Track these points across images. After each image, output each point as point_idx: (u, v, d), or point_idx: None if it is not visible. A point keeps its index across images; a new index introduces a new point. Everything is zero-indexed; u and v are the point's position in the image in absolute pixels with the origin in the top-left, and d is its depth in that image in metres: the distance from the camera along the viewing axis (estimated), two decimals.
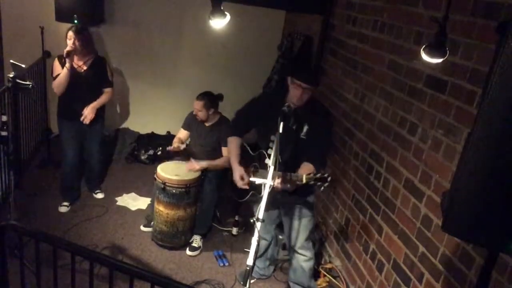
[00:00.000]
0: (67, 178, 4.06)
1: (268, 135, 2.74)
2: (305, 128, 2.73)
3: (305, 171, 2.62)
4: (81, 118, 3.78)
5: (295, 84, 2.69)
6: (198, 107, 3.75)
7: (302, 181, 2.50)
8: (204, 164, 3.71)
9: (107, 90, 3.97)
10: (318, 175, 2.46)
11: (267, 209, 2.99)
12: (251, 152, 2.89)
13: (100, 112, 3.98)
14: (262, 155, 2.68)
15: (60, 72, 3.65)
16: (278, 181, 2.53)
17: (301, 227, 2.99)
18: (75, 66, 3.72)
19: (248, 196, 2.83)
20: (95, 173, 4.32)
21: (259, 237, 2.12)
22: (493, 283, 1.99)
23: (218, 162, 3.75)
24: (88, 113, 3.79)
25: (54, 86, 3.70)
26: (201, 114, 3.76)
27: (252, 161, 2.88)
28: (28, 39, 4.73)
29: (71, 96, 3.74)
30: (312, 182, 2.46)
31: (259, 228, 2.12)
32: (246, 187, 2.77)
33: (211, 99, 3.76)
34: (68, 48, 3.57)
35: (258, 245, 2.10)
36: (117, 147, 5.30)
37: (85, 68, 3.78)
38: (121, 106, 5.56)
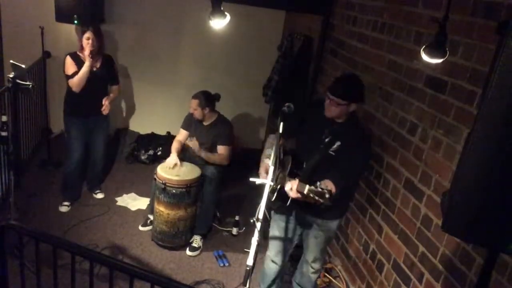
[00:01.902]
0: (69, 178, 4.06)
1: (304, 145, 2.69)
2: (337, 145, 2.55)
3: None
4: (102, 109, 3.90)
5: (325, 95, 2.58)
6: (193, 105, 3.78)
7: (303, 191, 2.30)
8: (202, 153, 3.80)
9: (116, 87, 4.09)
10: (319, 189, 2.26)
11: (284, 232, 2.87)
12: (282, 156, 2.68)
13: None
14: (287, 161, 2.56)
15: (76, 70, 3.71)
16: (294, 187, 2.34)
17: (316, 244, 2.88)
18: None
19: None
20: (97, 173, 4.33)
21: (260, 237, 2.11)
22: (493, 283, 1.99)
23: (213, 156, 3.81)
24: (107, 105, 3.92)
25: (74, 84, 3.73)
26: (197, 113, 3.78)
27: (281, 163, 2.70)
28: (28, 39, 4.73)
29: (83, 94, 3.79)
30: (311, 195, 2.26)
31: (259, 228, 2.12)
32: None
33: (206, 98, 3.77)
34: (90, 48, 3.67)
35: (258, 245, 2.10)
36: (119, 147, 5.30)
37: (97, 66, 3.86)
38: (121, 106, 5.55)
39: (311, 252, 2.91)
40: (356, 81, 2.64)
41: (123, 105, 5.56)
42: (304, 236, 2.93)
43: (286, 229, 2.88)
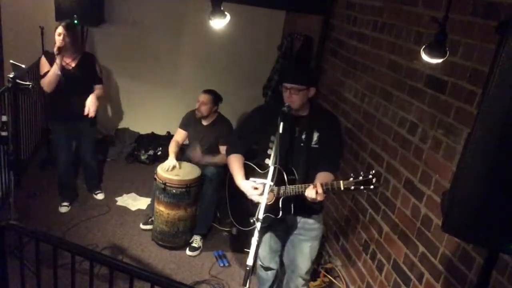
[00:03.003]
0: (63, 178, 4.04)
1: (282, 151, 2.52)
2: (316, 136, 2.55)
3: (323, 179, 2.41)
4: (85, 112, 3.65)
5: (283, 87, 2.52)
6: (205, 100, 3.77)
7: (340, 188, 2.23)
8: (206, 159, 3.78)
9: (98, 87, 3.83)
10: (360, 177, 2.17)
11: (274, 236, 2.75)
12: (259, 169, 2.62)
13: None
14: (278, 171, 2.42)
15: (49, 70, 3.56)
16: (319, 189, 2.28)
17: (310, 251, 2.74)
18: (63, 63, 3.60)
19: (253, 226, 2.34)
20: (92, 173, 4.30)
21: (259, 237, 2.11)
22: (493, 283, 1.99)
23: (216, 159, 3.79)
24: (90, 105, 3.67)
25: (44, 84, 3.58)
26: (205, 108, 3.77)
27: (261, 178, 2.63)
28: (28, 39, 4.73)
29: (60, 96, 3.64)
30: (352, 187, 2.21)
31: (259, 228, 2.12)
32: (261, 197, 2.39)
33: (217, 97, 3.83)
34: (58, 44, 3.47)
35: (258, 245, 2.09)
36: (115, 147, 5.31)
37: (73, 65, 3.67)
38: (121, 106, 5.55)
39: (304, 262, 2.74)
40: (306, 65, 2.63)
41: (123, 105, 5.56)
42: (293, 250, 2.76)
43: (275, 236, 2.79)
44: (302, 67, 2.62)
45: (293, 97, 2.48)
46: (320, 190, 2.29)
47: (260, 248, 2.80)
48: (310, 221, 2.69)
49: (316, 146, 2.55)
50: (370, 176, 2.15)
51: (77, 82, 3.67)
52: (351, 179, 2.20)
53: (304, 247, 2.72)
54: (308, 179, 2.51)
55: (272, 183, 2.28)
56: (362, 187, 2.17)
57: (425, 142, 2.61)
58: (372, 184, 2.16)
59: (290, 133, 2.55)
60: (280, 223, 2.69)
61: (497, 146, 1.18)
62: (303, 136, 2.55)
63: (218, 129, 3.83)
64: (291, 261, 2.79)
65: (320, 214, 2.75)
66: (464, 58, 2.31)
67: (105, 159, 5.09)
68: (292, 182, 2.49)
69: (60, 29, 3.51)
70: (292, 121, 2.53)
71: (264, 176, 2.40)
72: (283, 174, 2.48)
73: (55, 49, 3.49)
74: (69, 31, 3.54)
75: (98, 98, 3.82)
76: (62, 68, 3.58)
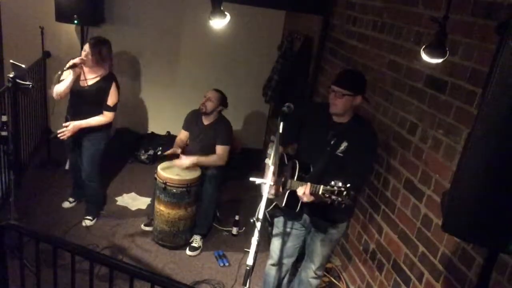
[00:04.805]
0: (73, 177, 4.04)
1: (308, 149, 2.63)
2: (344, 145, 2.51)
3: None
4: (59, 131, 3.47)
5: (330, 90, 2.52)
6: (212, 96, 3.76)
7: (318, 192, 2.29)
8: (193, 159, 3.64)
9: (105, 113, 3.60)
10: (335, 188, 2.18)
11: (286, 243, 2.81)
12: (286, 161, 2.70)
13: (92, 130, 3.61)
14: (294, 166, 2.56)
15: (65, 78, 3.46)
16: (306, 191, 2.33)
17: (326, 249, 2.80)
18: (82, 78, 3.50)
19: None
20: (90, 197, 3.92)
21: (260, 237, 2.11)
22: (493, 283, 1.99)
23: (206, 159, 3.70)
24: (69, 129, 3.46)
25: (54, 92, 3.46)
26: (210, 105, 3.76)
27: (283, 170, 2.72)
28: (28, 39, 4.74)
29: (70, 110, 3.61)
30: (327, 195, 2.22)
31: (259, 228, 2.11)
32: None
33: (224, 98, 3.84)
34: (75, 61, 3.34)
35: (258, 245, 2.10)
36: (116, 147, 5.30)
37: (89, 83, 3.50)
38: (120, 106, 5.54)
39: (317, 257, 2.80)
40: (359, 74, 2.66)
41: (122, 105, 5.54)
42: (310, 241, 2.83)
43: (289, 235, 2.81)
44: (353, 73, 2.65)
45: (337, 101, 2.48)
46: (307, 190, 2.34)
47: (272, 247, 2.88)
48: (329, 225, 2.72)
49: (341, 155, 2.52)
50: (343, 189, 2.17)
51: (84, 102, 3.52)
52: (329, 187, 2.23)
53: (318, 243, 2.78)
54: (320, 183, 2.51)
55: (272, 183, 2.28)
56: (334, 196, 2.20)
57: (425, 142, 2.61)
58: (342, 197, 2.18)
59: (322, 134, 2.56)
60: (295, 223, 2.76)
61: (497, 146, 1.18)
62: (332, 142, 2.54)
63: (217, 129, 3.83)
64: (308, 252, 2.87)
65: (343, 223, 2.77)
66: (464, 58, 2.31)
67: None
68: (300, 179, 2.50)
69: (86, 46, 3.44)
70: (328, 123, 2.56)
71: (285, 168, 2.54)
72: (296, 169, 2.51)
73: (72, 62, 3.34)
74: (95, 49, 3.40)
75: (96, 124, 3.58)
76: (78, 84, 3.46)
